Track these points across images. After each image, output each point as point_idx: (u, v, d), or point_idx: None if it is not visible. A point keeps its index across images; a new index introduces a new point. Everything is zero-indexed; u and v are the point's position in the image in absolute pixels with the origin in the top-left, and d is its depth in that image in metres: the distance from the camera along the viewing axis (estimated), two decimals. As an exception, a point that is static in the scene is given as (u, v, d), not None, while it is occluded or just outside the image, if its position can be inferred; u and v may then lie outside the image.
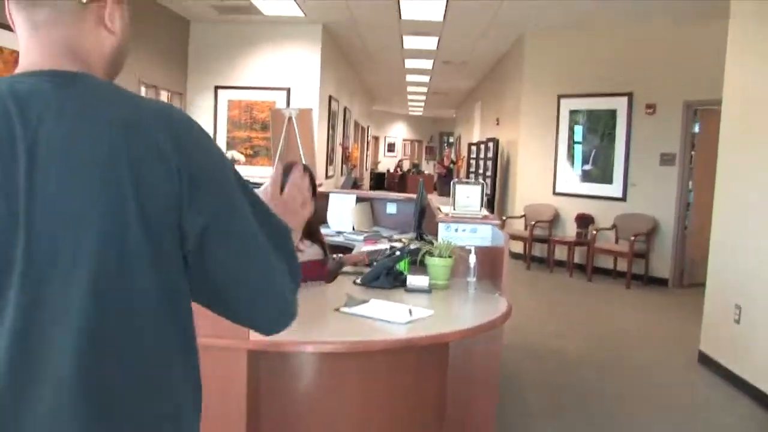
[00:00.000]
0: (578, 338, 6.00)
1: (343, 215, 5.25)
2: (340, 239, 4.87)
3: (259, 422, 2.34)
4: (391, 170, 26.20)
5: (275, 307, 1.05)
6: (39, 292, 0.88)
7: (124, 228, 0.89)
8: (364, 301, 2.81)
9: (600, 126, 9.04)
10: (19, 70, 0.98)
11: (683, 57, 8.13)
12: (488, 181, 11.42)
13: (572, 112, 9.35)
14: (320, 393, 2.53)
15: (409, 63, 13.68)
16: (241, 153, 9.13)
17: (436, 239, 3.96)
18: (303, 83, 9.82)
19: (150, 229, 0.91)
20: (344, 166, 13.83)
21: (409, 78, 16.34)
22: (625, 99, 8.71)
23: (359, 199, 5.43)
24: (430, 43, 11.05)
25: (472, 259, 3.22)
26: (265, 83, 9.83)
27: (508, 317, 2.85)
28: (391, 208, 5.49)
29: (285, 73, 9.82)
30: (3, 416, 0.87)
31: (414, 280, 3.15)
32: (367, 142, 21.43)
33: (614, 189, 8.89)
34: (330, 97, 11.05)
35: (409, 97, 21.20)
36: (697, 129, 8.31)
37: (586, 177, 9.23)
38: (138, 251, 0.90)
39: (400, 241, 3.99)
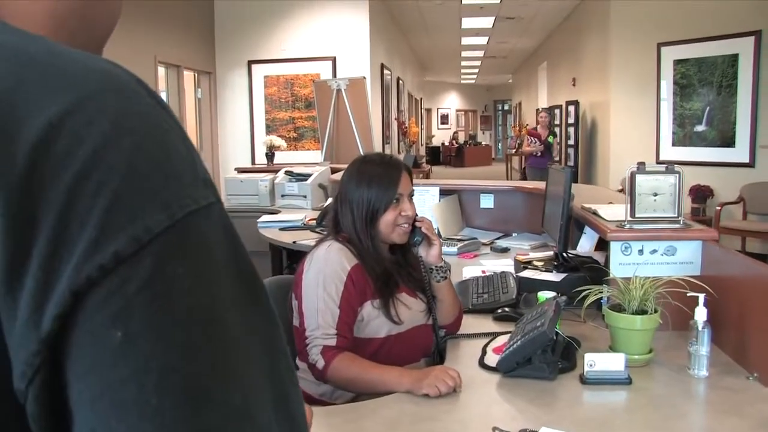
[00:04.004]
0: None
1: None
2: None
3: None
4: (446, 143, 24.70)
5: None
6: None
7: None
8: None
9: (716, 76, 7.33)
10: None
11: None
12: (571, 151, 9.83)
13: (677, 63, 7.66)
14: None
15: (467, 22, 12.10)
16: (283, 137, 7.73)
17: (589, 258, 2.48)
18: (350, 51, 8.36)
19: None
20: (401, 143, 12.35)
21: (465, 41, 14.76)
22: (750, 39, 6.95)
23: (442, 192, 3.97)
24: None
25: (702, 313, 1.73)
26: (307, 53, 8.40)
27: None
28: (487, 201, 4.00)
29: (329, 41, 8.37)
30: None
31: (602, 361, 1.68)
32: (421, 115, 19.88)
33: (738, 153, 7.19)
34: (382, 66, 9.56)
35: (463, 63, 19.59)
36: None
37: (700, 140, 7.55)
38: None
39: (530, 265, 2.48)
